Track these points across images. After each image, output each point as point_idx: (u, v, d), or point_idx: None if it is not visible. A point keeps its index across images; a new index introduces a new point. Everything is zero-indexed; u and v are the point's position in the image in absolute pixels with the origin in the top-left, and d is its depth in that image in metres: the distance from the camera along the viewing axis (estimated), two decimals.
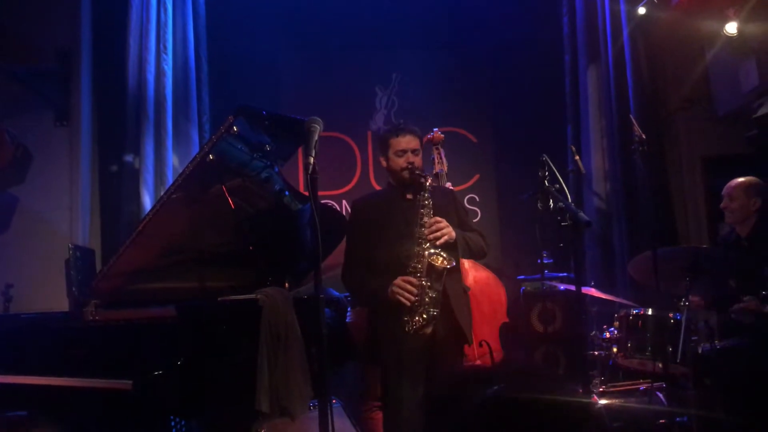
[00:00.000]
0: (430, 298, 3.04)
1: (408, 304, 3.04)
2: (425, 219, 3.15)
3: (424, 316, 3.03)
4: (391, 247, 3.19)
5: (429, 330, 3.05)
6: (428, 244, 3.10)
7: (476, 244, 3.32)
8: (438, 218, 3.15)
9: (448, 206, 3.33)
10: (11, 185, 4.91)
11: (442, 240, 3.11)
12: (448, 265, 3.06)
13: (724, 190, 4.10)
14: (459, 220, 3.35)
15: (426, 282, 3.05)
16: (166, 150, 4.98)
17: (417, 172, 3.23)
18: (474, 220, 4.79)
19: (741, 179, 4.06)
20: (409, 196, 3.27)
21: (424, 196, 3.18)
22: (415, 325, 3.03)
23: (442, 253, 3.08)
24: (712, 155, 5.39)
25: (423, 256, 3.09)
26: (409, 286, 3.05)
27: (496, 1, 5.62)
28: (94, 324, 3.09)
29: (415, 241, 3.13)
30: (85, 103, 5.06)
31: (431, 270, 3.06)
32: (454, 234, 3.15)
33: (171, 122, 5.03)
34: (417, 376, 3.12)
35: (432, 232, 3.11)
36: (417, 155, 3.27)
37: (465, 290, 3.35)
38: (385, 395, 3.24)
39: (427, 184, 3.20)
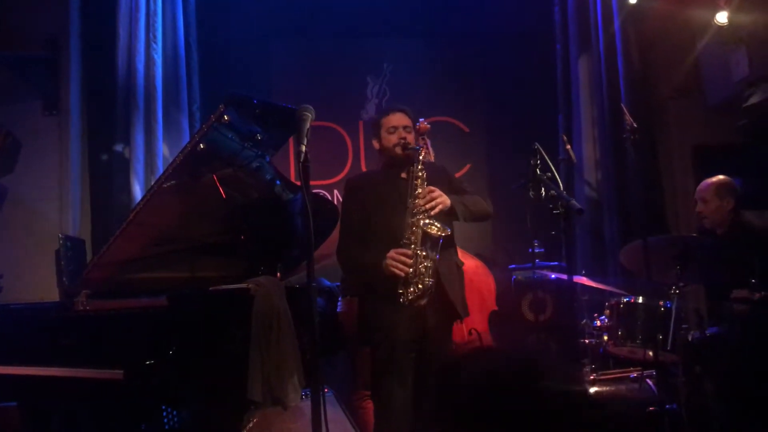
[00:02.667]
0: (426, 267, 3.01)
1: (402, 275, 3.00)
2: (419, 190, 3.11)
3: (420, 286, 2.99)
4: (386, 224, 3.16)
5: (424, 301, 3.01)
6: (423, 215, 3.06)
7: (476, 204, 3.26)
8: (432, 187, 3.11)
9: (441, 178, 3.29)
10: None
11: (437, 209, 3.07)
12: (443, 233, 3.03)
13: (696, 194, 4.05)
14: (454, 189, 3.29)
15: (421, 251, 3.02)
16: (157, 139, 4.95)
17: (410, 146, 3.20)
18: None
19: (711, 180, 4.00)
20: (403, 175, 3.23)
21: (417, 167, 3.15)
22: (410, 296, 3.00)
23: (436, 223, 3.04)
24: (703, 144, 5.39)
25: (417, 226, 3.04)
26: (403, 258, 3.01)
27: None
28: (84, 314, 3.08)
29: (409, 213, 3.09)
30: (74, 92, 5.01)
31: (426, 238, 3.02)
32: (448, 202, 3.11)
33: (161, 111, 5.00)
34: (407, 367, 3.11)
35: (427, 202, 3.07)
36: (409, 132, 3.24)
37: (459, 265, 3.30)
38: (375, 387, 3.23)
39: (422, 154, 3.16)
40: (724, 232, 3.97)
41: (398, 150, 3.21)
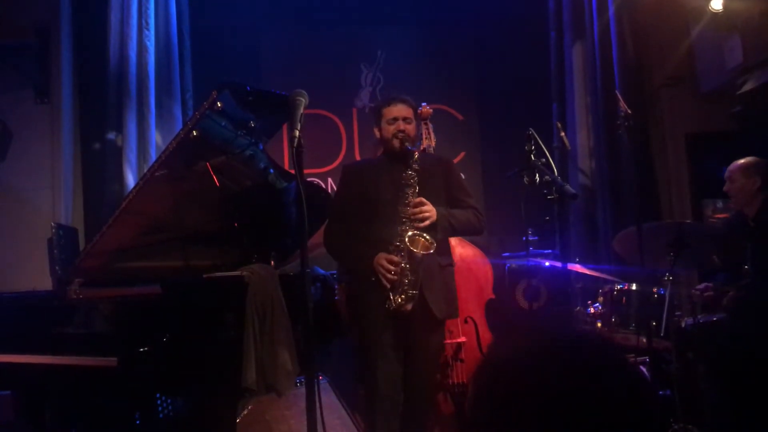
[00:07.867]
0: (410, 280, 3.05)
1: (388, 285, 3.05)
2: (410, 198, 3.13)
3: (403, 296, 3.04)
4: (377, 217, 3.19)
5: (409, 307, 3.05)
6: (410, 225, 3.10)
7: (463, 222, 3.27)
8: (421, 199, 3.12)
9: (437, 179, 3.30)
10: None
11: (424, 223, 3.10)
12: (426, 251, 3.05)
13: (725, 173, 4.07)
14: (449, 195, 3.31)
15: (405, 264, 3.05)
16: (149, 127, 4.94)
17: (406, 143, 3.22)
18: None
19: (740, 161, 4.00)
20: (398, 166, 3.24)
21: (410, 174, 3.16)
22: (395, 303, 3.04)
23: (424, 235, 3.07)
24: (696, 132, 5.40)
25: (405, 237, 3.07)
26: (389, 266, 3.05)
27: None
28: (77, 302, 3.07)
29: (399, 220, 3.12)
30: (66, 81, 4.98)
31: (411, 255, 3.06)
32: (435, 216, 3.12)
33: (154, 99, 4.97)
34: (394, 353, 3.13)
35: (415, 214, 3.10)
36: (409, 123, 3.26)
37: (441, 264, 3.26)
38: (361, 363, 3.26)
39: (415, 157, 3.17)
40: (755, 212, 3.97)
41: (396, 143, 3.24)
